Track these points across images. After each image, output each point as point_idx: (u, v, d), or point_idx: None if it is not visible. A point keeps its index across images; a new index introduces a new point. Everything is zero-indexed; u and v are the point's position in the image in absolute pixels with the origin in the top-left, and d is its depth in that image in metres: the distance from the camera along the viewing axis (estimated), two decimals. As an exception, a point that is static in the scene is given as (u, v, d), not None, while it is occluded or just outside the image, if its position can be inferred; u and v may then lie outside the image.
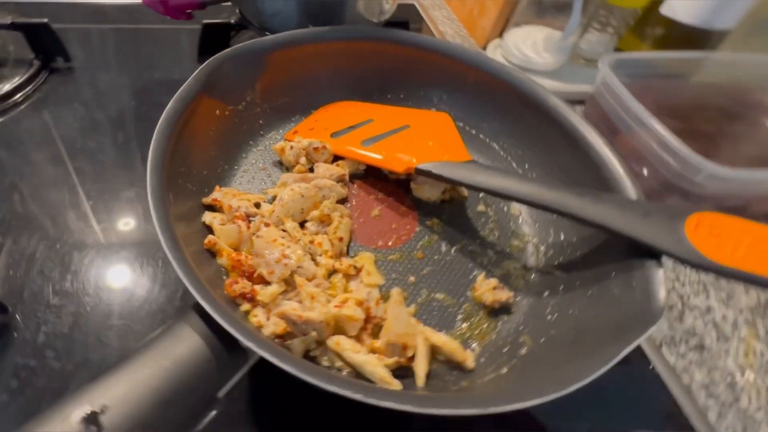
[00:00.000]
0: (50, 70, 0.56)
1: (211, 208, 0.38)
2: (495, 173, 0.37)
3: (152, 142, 0.33)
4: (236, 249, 0.36)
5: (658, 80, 0.66)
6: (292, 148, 0.42)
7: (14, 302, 0.38)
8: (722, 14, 0.66)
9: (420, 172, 0.39)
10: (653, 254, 0.31)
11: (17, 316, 0.37)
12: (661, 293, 0.29)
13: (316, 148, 0.42)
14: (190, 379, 0.25)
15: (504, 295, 0.36)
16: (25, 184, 0.46)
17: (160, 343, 0.26)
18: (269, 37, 0.44)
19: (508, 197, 0.36)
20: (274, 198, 0.40)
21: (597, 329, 0.30)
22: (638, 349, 0.43)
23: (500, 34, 0.76)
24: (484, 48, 0.76)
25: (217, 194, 0.38)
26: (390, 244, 0.40)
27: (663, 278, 0.30)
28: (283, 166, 0.44)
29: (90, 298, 0.39)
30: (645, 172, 0.55)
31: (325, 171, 0.41)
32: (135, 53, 0.63)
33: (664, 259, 0.31)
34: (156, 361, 0.25)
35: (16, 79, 0.53)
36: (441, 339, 0.32)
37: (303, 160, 0.42)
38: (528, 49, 0.71)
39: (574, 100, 0.70)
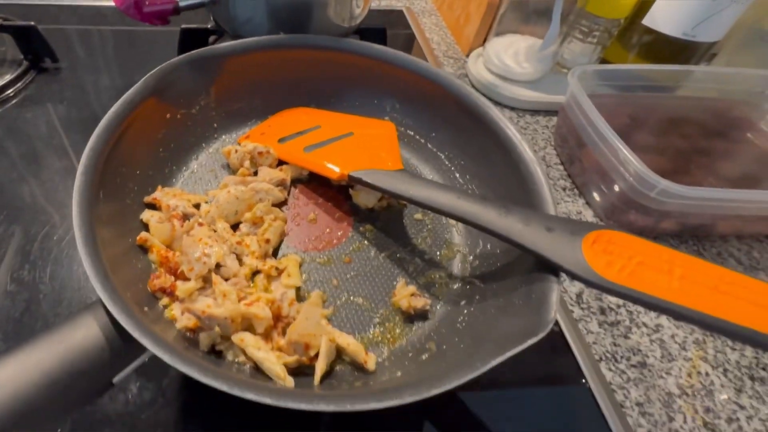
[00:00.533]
0: (38, 70, 0.60)
1: (152, 206, 0.40)
2: (420, 183, 0.38)
3: (88, 144, 0.35)
4: (169, 246, 0.38)
5: (640, 93, 0.65)
6: (236, 151, 0.44)
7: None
8: (706, 27, 0.64)
9: (352, 179, 0.40)
10: (553, 269, 0.31)
11: None
12: (552, 307, 0.29)
13: (260, 153, 0.44)
14: (81, 364, 0.27)
15: (420, 302, 0.36)
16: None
17: (60, 329, 0.28)
18: (224, 45, 0.46)
19: (430, 208, 0.36)
20: (213, 199, 0.41)
21: (494, 338, 0.31)
22: (574, 365, 0.43)
23: (483, 43, 0.75)
24: (467, 56, 0.76)
25: (158, 193, 0.40)
26: (320, 247, 0.41)
27: (557, 292, 0.30)
28: (230, 168, 0.46)
29: (44, 286, 0.41)
30: (610, 187, 0.54)
31: (266, 175, 0.43)
32: (122, 55, 0.66)
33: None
34: (51, 345, 0.27)
35: (7, 76, 0.57)
36: (346, 341, 0.33)
37: (247, 163, 0.44)
38: (509, 58, 0.71)
39: (553, 111, 0.70)
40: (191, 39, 0.59)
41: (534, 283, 0.32)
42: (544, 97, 0.69)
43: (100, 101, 0.59)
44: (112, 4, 0.73)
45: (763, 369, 0.45)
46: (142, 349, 0.29)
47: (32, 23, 0.57)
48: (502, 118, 0.42)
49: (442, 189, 0.37)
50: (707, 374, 0.44)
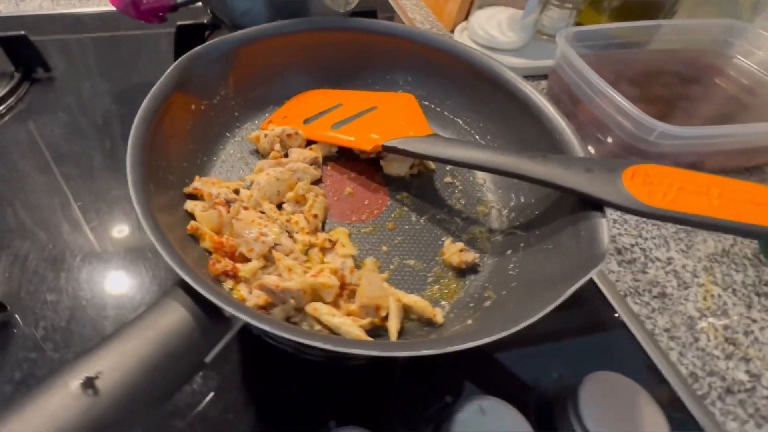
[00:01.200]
0: (32, 81, 0.57)
1: (193, 196, 0.40)
2: (454, 144, 0.39)
3: (129, 139, 0.35)
4: (218, 233, 0.38)
5: (615, 51, 0.68)
6: (266, 136, 0.44)
7: (12, 301, 0.39)
8: (669, -18, 0.67)
9: (386, 149, 0.41)
10: (597, 206, 0.33)
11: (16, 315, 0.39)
12: (604, 239, 0.32)
13: (289, 135, 0.44)
14: (175, 347, 0.27)
15: (470, 256, 0.38)
16: (16, 193, 0.48)
17: (147, 316, 0.28)
18: (235, 34, 0.45)
19: (467, 165, 0.38)
20: (251, 184, 0.41)
21: (550, 277, 0.33)
22: (605, 301, 0.45)
23: (466, 17, 0.77)
24: (452, 32, 0.78)
25: (198, 183, 0.40)
26: (363, 218, 0.41)
27: (606, 226, 0.32)
28: (259, 154, 0.46)
29: (84, 293, 0.41)
30: (606, 137, 0.57)
31: (299, 155, 0.43)
32: (114, 60, 0.64)
33: (609, 211, 0.34)
34: (143, 332, 0.27)
35: (1, 90, 0.54)
36: (411, 299, 0.35)
37: (277, 146, 0.44)
38: (493, 29, 0.73)
39: (539, 75, 0.72)
40: (187, 35, 0.58)
41: (580, 222, 0.34)
42: (530, 63, 0.72)
43: (100, 106, 0.57)
44: (97, 10, 0.71)
45: (766, 285, 0.49)
46: (228, 325, 0.30)
47: (23, 32, 0.54)
48: (517, 78, 0.44)
49: (478, 147, 0.38)
50: (719, 296, 0.48)
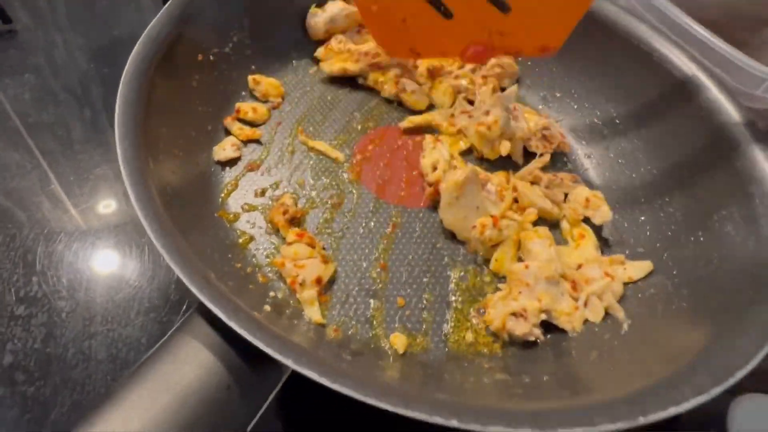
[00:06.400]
0: (-13, 35, 0.44)
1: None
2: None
3: (118, 98, 0.24)
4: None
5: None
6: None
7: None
8: None
9: None
10: None
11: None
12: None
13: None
14: (204, 420, 0.16)
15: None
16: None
17: (156, 369, 0.17)
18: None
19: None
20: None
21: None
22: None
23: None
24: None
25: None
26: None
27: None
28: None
29: (64, 302, 0.30)
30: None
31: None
32: (88, 10, 0.50)
33: None
34: (153, 398, 0.16)
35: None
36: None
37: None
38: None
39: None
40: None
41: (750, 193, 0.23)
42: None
43: (74, 66, 0.44)
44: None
45: None
46: (278, 374, 0.19)
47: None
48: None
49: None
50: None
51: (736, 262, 0.23)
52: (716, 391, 0.16)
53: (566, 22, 0.28)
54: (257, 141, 0.32)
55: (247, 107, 0.33)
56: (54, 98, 0.42)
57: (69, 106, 0.41)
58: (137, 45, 0.26)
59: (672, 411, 0.16)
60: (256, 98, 0.35)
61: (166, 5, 0.28)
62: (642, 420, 0.16)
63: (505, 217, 0.28)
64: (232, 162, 0.31)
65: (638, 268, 0.27)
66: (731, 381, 0.17)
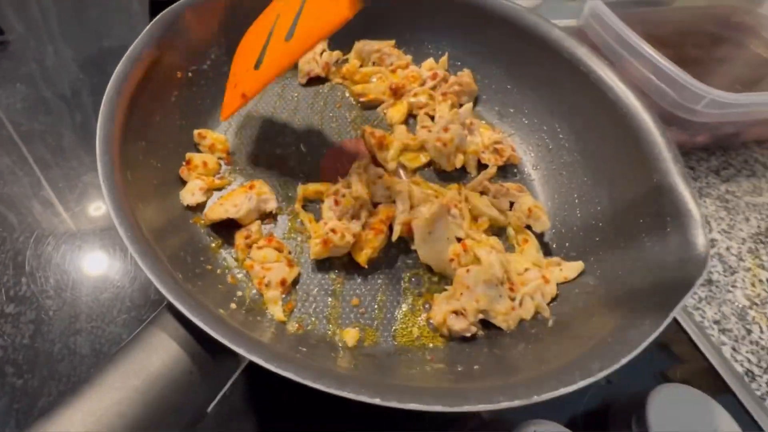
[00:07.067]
0: (-21, 46, 0.47)
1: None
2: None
3: (100, 115, 0.26)
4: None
5: (642, 9, 0.60)
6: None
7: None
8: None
9: None
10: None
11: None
12: (699, 236, 0.24)
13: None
14: (168, 399, 0.19)
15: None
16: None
17: (129, 356, 0.20)
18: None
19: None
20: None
21: (636, 290, 0.25)
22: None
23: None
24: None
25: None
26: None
27: (699, 215, 0.25)
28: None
29: (51, 301, 0.32)
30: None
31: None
32: (81, 21, 0.53)
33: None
34: (125, 380, 0.19)
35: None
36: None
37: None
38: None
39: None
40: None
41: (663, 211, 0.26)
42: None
43: (67, 76, 0.47)
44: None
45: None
46: (235, 362, 0.22)
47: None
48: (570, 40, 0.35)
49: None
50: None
51: (645, 265, 0.26)
52: (601, 374, 0.19)
53: None
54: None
55: (197, 160, 0.32)
56: (45, 107, 0.44)
57: (60, 115, 0.44)
58: (119, 64, 0.29)
59: (562, 391, 0.19)
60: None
61: (148, 26, 0.31)
62: (536, 398, 0.19)
63: (469, 236, 0.31)
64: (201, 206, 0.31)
65: (572, 269, 0.30)
66: (615, 366, 0.20)
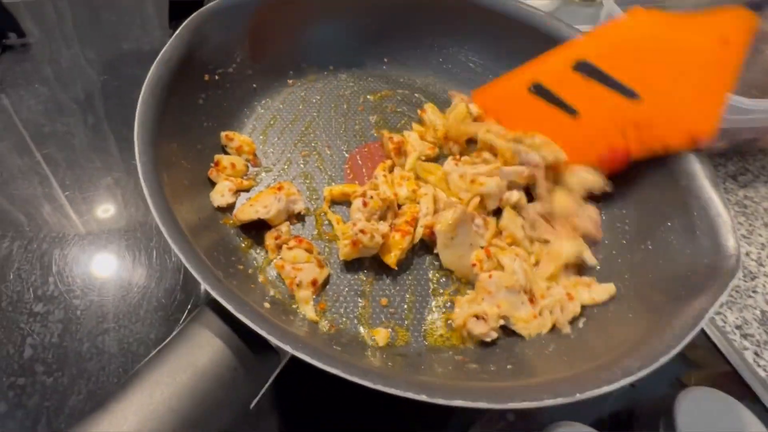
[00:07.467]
0: (3, 49, 0.47)
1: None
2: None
3: (137, 114, 0.27)
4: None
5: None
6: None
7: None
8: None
9: None
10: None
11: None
12: (729, 235, 0.25)
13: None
14: (215, 394, 0.19)
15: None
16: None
17: (175, 352, 0.20)
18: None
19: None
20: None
21: (663, 290, 0.26)
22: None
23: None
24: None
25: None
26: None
27: (727, 212, 0.26)
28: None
29: (79, 300, 0.32)
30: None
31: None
32: (97, 25, 0.54)
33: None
34: (173, 376, 0.19)
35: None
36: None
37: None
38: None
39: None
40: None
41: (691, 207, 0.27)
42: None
43: (83, 79, 0.47)
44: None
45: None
46: (277, 359, 0.23)
47: (-11, -9, 0.44)
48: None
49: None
50: (788, 287, 0.42)
51: (675, 267, 0.26)
52: (642, 373, 0.20)
53: (712, 98, 0.26)
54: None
55: (226, 162, 0.33)
56: (63, 109, 0.44)
57: (74, 116, 0.44)
58: (152, 67, 0.29)
59: (605, 389, 0.19)
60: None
61: (178, 30, 0.32)
62: (579, 396, 0.19)
63: (492, 244, 0.31)
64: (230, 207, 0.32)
65: (602, 291, 0.29)
66: (655, 365, 0.20)
